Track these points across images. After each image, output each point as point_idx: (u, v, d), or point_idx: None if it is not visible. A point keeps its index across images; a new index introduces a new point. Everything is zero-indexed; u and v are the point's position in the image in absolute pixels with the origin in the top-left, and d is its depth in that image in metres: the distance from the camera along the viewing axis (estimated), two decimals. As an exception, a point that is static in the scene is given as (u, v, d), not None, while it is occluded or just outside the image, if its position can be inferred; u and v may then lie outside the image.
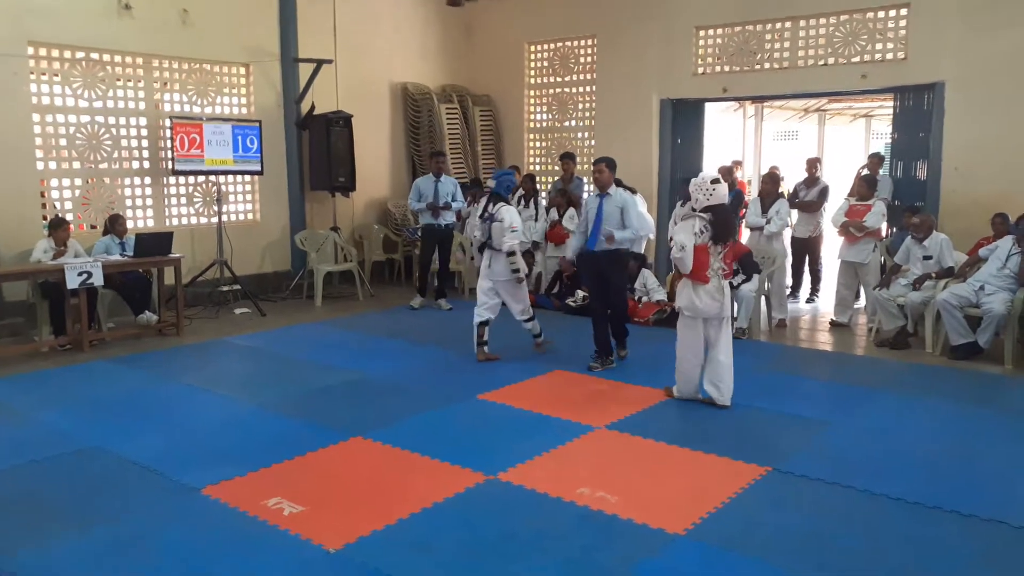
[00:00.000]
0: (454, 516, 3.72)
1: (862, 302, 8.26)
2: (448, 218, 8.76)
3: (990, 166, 7.96)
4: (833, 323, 7.95)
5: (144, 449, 4.54)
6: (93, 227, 8.11)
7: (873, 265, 7.75)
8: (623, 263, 6.37)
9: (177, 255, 7.52)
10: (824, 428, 4.95)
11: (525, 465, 4.32)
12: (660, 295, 8.15)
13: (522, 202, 9.42)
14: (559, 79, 11.19)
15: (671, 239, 9.10)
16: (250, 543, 3.46)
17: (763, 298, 7.80)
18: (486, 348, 6.53)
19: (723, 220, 5.13)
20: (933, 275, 6.92)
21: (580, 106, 11.05)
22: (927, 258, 7.04)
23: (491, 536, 3.52)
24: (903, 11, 8.47)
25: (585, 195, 10.14)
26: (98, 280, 6.69)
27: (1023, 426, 5.04)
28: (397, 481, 4.14)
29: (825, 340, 7.49)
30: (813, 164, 9.42)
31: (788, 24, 9.20)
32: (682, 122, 10.24)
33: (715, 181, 5.11)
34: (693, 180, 5.23)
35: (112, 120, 8.21)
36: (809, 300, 9.26)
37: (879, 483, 4.06)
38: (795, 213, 9.12)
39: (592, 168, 6.25)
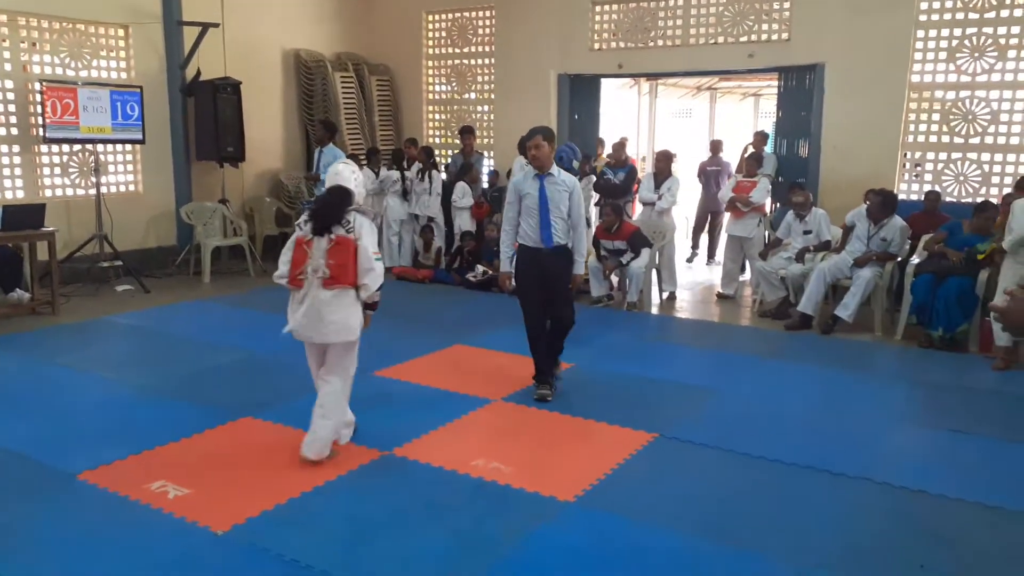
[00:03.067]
0: (347, 493, 3.69)
1: (748, 275, 8.63)
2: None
3: (864, 145, 8.41)
4: (720, 295, 8.27)
5: (14, 434, 4.27)
6: (-46, 198, 7.52)
7: (758, 239, 8.08)
8: (572, 263, 5.07)
9: (50, 228, 7.06)
10: (709, 395, 5.17)
11: (420, 440, 4.32)
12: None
13: (419, 175, 9.32)
14: (458, 50, 11.07)
15: None
16: (132, 528, 3.33)
17: (654, 272, 8.01)
18: None
19: (324, 202, 3.99)
20: (811, 248, 7.29)
21: (479, 78, 10.98)
22: (807, 232, 7.41)
23: (383, 511, 3.51)
24: (788, -7, 8.80)
25: (486, 172, 10.14)
26: (-40, 255, 6.22)
27: (890, 390, 5.41)
28: (288, 461, 4.05)
29: (712, 312, 7.79)
30: (717, 145, 10.57)
31: (680, 2, 9.39)
32: (579, 97, 10.33)
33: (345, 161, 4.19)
34: (337, 169, 4.04)
35: (-27, 82, 7.60)
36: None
37: (759, 446, 4.28)
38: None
39: (527, 144, 4.92)
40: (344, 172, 4.01)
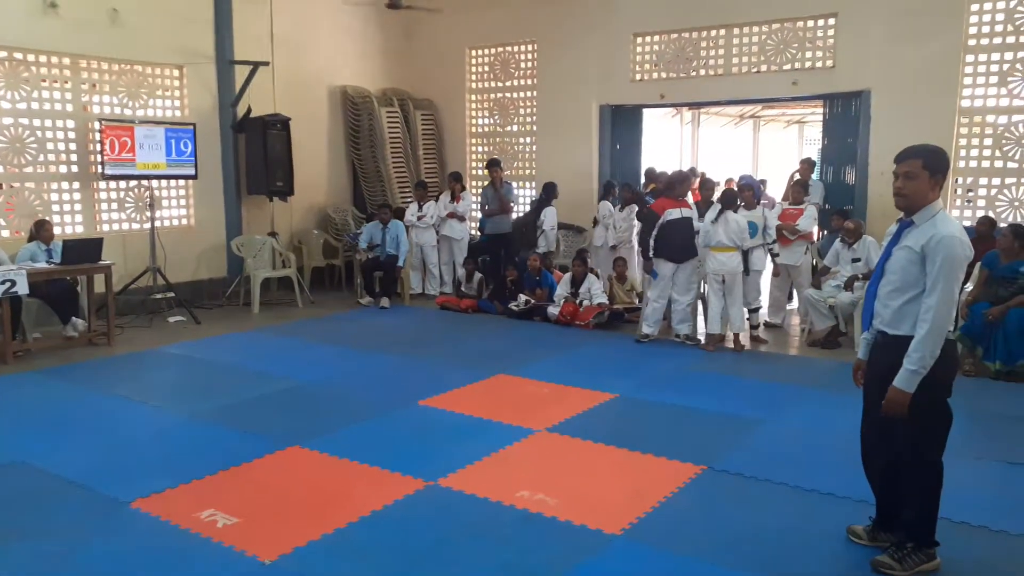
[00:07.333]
0: (392, 523, 3.69)
1: (795, 303, 8.48)
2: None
3: (914, 171, 8.24)
4: (767, 324, 8.14)
5: (70, 463, 4.38)
6: (18, 233, 7.81)
7: (805, 267, 7.96)
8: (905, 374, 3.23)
9: (107, 262, 7.29)
10: (758, 426, 5.07)
11: (465, 470, 4.31)
12: (601, 298, 8.22)
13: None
14: (500, 84, 11.23)
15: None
16: (182, 556, 3.37)
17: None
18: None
19: None
20: (860, 276, 7.15)
21: (522, 111, 11.11)
22: (856, 260, 7.27)
23: (429, 542, 3.50)
24: (831, 20, 8.75)
25: (525, 202, 10.18)
26: (22, 289, 6.44)
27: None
28: (335, 490, 4.08)
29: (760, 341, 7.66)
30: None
31: (723, 32, 9.42)
32: (621, 128, 10.38)
33: None
34: None
35: (37, 122, 7.92)
36: None
37: (811, 479, 4.18)
38: None
39: (896, 170, 3.44)
40: None
